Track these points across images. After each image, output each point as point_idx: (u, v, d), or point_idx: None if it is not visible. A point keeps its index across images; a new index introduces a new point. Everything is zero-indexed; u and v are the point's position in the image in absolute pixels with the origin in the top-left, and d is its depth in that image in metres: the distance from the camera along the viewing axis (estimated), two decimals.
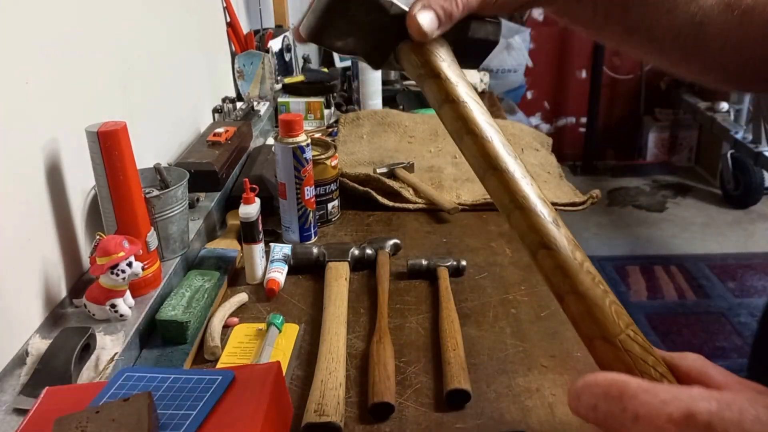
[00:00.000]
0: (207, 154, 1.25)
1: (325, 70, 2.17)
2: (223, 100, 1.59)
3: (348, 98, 1.86)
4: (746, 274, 2.87)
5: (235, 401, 0.61)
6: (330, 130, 1.70)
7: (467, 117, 0.48)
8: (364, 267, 1.05)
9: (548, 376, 0.80)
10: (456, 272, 1.02)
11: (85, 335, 0.76)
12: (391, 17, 0.50)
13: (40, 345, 0.76)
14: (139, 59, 1.14)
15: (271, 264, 1.02)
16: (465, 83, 0.49)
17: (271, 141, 1.59)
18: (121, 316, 0.83)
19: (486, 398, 0.76)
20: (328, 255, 1.04)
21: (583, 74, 4.01)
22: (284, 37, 1.96)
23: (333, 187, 1.20)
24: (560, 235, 0.43)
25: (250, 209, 1.00)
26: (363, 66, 1.71)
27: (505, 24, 3.28)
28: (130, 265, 0.81)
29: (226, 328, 0.90)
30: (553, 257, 0.43)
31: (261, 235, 1.02)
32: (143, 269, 0.85)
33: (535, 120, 4.11)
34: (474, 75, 2.18)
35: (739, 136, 3.11)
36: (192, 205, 1.12)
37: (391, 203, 1.26)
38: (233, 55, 1.73)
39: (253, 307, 0.96)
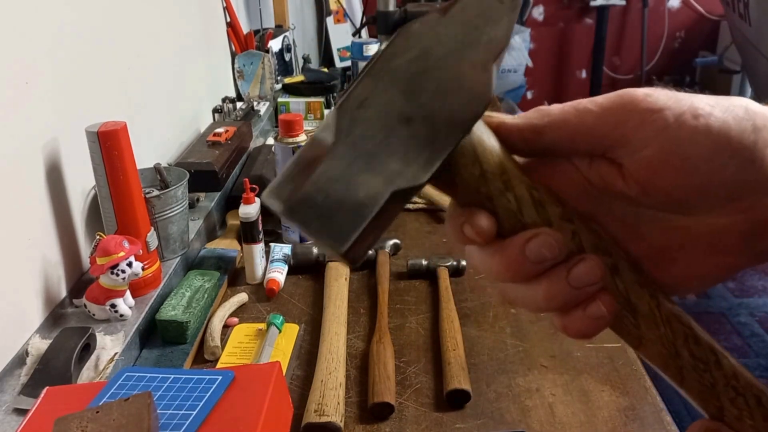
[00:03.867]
0: (207, 154, 1.25)
1: (325, 70, 2.17)
2: (223, 100, 1.59)
3: None
4: (746, 274, 2.87)
5: (235, 401, 0.61)
6: None
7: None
8: (364, 267, 1.05)
9: (548, 376, 0.80)
10: (456, 272, 1.02)
11: (85, 335, 0.76)
12: None
13: (40, 345, 0.76)
14: (139, 59, 1.14)
15: (271, 264, 1.02)
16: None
17: (271, 141, 1.59)
18: (121, 316, 0.83)
19: (486, 398, 0.76)
20: (328, 255, 1.04)
21: (583, 74, 4.01)
22: (284, 37, 1.96)
23: None
24: None
25: (250, 209, 1.00)
26: (363, 66, 1.71)
27: None
28: (130, 265, 0.81)
29: (226, 328, 0.90)
30: None
31: (261, 235, 1.02)
32: (143, 269, 0.85)
33: None
34: None
35: None
36: (192, 205, 1.12)
37: None
38: (233, 55, 1.73)
39: (253, 307, 0.96)
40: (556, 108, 0.32)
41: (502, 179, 0.32)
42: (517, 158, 0.34)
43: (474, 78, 0.31)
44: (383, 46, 0.32)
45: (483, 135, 0.33)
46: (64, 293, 0.87)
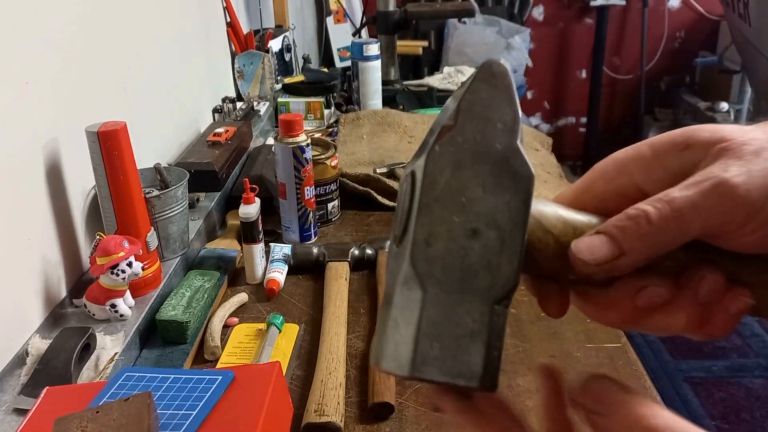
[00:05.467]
0: (207, 154, 1.25)
1: (325, 70, 2.17)
2: (223, 100, 1.59)
3: (348, 98, 1.86)
4: None
5: (235, 401, 0.61)
6: (330, 130, 1.70)
7: None
8: (364, 267, 1.05)
9: None
10: None
11: (85, 335, 0.76)
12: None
13: (40, 345, 0.76)
14: (139, 59, 1.14)
15: (271, 264, 1.02)
16: None
17: (271, 141, 1.59)
18: (121, 316, 0.83)
19: None
20: (328, 255, 1.04)
21: (583, 74, 4.01)
22: (284, 37, 1.96)
23: (333, 187, 1.20)
24: None
25: (250, 209, 1.00)
26: (363, 66, 1.71)
27: (505, 24, 3.28)
28: (130, 265, 0.81)
29: (226, 328, 0.90)
30: None
31: (261, 235, 1.02)
32: (143, 269, 0.85)
33: (535, 120, 4.11)
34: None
35: None
36: (192, 205, 1.12)
37: (391, 203, 1.26)
38: (233, 55, 1.73)
39: (253, 307, 0.96)
40: (648, 218, 0.30)
41: (576, 236, 0.33)
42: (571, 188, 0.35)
43: (508, 164, 0.32)
44: (418, 181, 0.33)
45: (539, 205, 0.34)
46: (64, 293, 0.87)
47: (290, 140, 1.08)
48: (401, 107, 1.83)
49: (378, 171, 1.33)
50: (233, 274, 1.04)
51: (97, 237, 0.83)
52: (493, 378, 0.31)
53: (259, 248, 1.02)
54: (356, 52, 1.71)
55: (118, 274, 0.80)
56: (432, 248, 0.32)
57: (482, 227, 0.32)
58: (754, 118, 3.32)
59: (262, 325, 0.88)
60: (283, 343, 0.86)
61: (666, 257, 0.32)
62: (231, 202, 1.25)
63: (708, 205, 0.30)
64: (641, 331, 0.34)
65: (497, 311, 0.32)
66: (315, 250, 1.05)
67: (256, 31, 1.84)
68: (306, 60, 2.33)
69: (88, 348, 0.77)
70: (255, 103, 1.70)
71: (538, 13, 3.87)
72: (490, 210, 0.32)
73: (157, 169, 1.01)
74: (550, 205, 0.34)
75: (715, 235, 0.31)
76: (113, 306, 0.82)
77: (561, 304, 0.34)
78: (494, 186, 0.32)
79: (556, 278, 0.34)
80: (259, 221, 1.02)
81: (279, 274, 1.00)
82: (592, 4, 3.74)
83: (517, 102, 0.33)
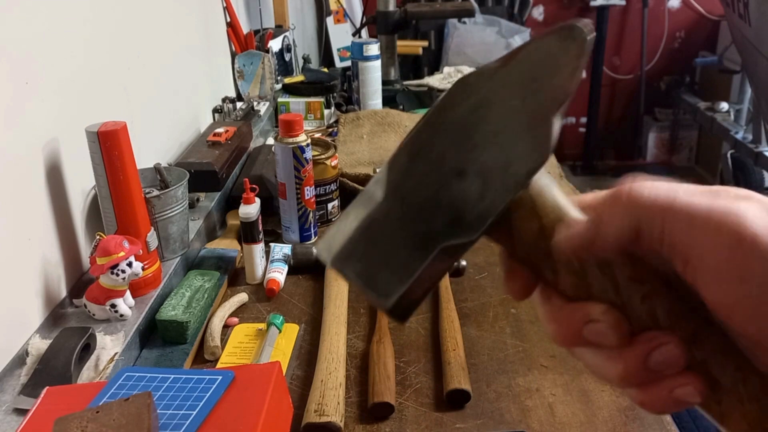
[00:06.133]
0: (207, 154, 1.25)
1: (325, 70, 2.17)
2: (223, 100, 1.59)
3: (348, 98, 1.86)
4: None
5: (235, 401, 0.61)
6: (330, 130, 1.70)
7: None
8: None
9: (548, 376, 0.80)
10: (456, 272, 1.02)
11: (85, 335, 0.76)
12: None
13: (40, 345, 0.76)
14: (139, 59, 1.14)
15: (271, 264, 1.02)
16: None
17: (271, 141, 1.59)
18: (121, 316, 0.83)
19: (486, 398, 0.76)
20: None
21: (583, 74, 4.02)
22: (284, 37, 1.96)
23: (333, 187, 1.20)
24: None
25: (250, 209, 1.00)
26: (363, 66, 1.71)
27: (505, 24, 3.28)
28: (130, 265, 0.81)
29: (226, 328, 0.90)
30: None
31: (261, 235, 1.02)
32: (143, 269, 0.85)
33: None
34: None
35: (739, 136, 3.11)
36: (192, 205, 1.12)
37: None
38: (233, 55, 1.73)
39: (253, 307, 0.96)
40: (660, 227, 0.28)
41: (560, 230, 0.30)
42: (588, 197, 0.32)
43: (532, 131, 0.29)
44: (439, 98, 0.31)
45: (543, 187, 0.30)
46: (64, 293, 0.87)
47: (290, 140, 1.08)
48: (401, 107, 1.83)
49: (378, 171, 1.33)
50: (233, 274, 1.04)
51: (97, 237, 0.83)
52: (405, 312, 0.30)
53: (259, 248, 1.02)
54: (356, 52, 1.71)
55: (118, 274, 0.80)
56: (414, 164, 0.30)
57: (471, 173, 0.29)
58: (753, 118, 3.31)
59: (262, 325, 0.88)
60: (283, 343, 0.86)
61: (645, 305, 0.29)
62: (231, 202, 1.25)
63: (610, 209, 0.28)
64: (575, 357, 0.32)
65: (441, 257, 0.29)
66: (315, 250, 1.05)
67: (256, 31, 1.84)
68: (306, 60, 2.33)
69: (88, 348, 0.77)
70: (255, 103, 1.70)
71: (538, 13, 3.87)
72: (488, 162, 0.29)
73: (157, 169, 1.01)
74: (554, 192, 0.31)
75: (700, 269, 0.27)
76: (113, 306, 0.82)
77: (525, 286, 0.32)
78: (506, 144, 0.29)
79: (528, 263, 0.31)
80: (259, 221, 1.02)
81: (279, 274, 1.00)
82: (592, 4, 3.74)
83: (579, 77, 0.30)
